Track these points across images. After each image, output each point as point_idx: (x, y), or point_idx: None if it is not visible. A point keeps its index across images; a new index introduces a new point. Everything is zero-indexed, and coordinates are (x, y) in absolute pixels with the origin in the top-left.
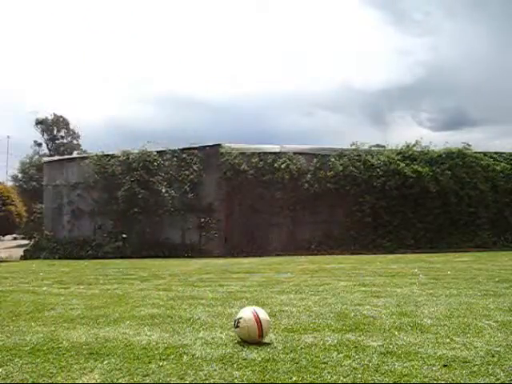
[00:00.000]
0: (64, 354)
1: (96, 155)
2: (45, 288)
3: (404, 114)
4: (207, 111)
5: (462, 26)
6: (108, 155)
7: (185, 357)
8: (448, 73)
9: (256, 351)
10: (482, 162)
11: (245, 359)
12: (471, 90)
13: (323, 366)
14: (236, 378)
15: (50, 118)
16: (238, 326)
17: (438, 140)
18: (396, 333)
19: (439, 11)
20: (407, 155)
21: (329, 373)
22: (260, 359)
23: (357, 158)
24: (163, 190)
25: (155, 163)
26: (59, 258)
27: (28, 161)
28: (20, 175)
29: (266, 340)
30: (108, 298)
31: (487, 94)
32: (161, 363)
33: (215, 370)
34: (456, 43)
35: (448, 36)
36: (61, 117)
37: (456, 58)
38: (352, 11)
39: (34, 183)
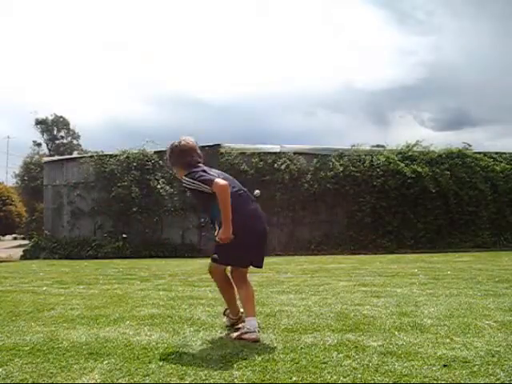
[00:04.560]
0: (64, 354)
1: (96, 155)
2: (45, 288)
3: (406, 114)
4: (207, 111)
5: (464, 25)
6: (107, 155)
7: (185, 357)
8: (450, 72)
9: (256, 351)
10: (481, 163)
11: (245, 359)
12: (473, 89)
13: (323, 366)
14: (236, 378)
15: (50, 118)
16: None
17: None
18: (396, 333)
19: (442, 10)
20: (407, 155)
21: (329, 373)
22: (260, 359)
23: (357, 158)
24: (162, 190)
25: (154, 163)
26: (59, 258)
27: (29, 160)
28: (23, 174)
29: (266, 340)
30: (108, 297)
31: (489, 94)
32: (161, 363)
33: (215, 370)
34: (458, 43)
35: (451, 35)
36: (61, 117)
37: (458, 58)
38: (354, 10)
39: (38, 182)
